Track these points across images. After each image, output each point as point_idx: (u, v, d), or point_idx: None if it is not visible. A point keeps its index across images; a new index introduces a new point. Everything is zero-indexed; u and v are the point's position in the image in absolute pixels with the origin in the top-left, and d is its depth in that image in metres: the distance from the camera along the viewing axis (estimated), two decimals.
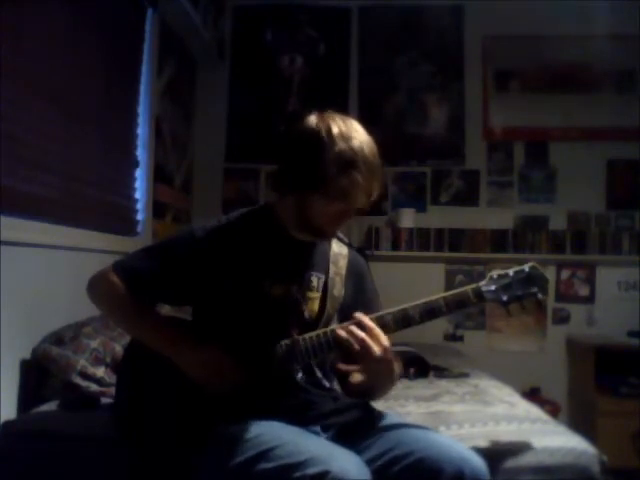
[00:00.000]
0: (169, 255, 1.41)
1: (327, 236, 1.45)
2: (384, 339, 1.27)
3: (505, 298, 1.31)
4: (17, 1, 1.92)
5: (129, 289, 1.39)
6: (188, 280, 1.39)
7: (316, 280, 1.44)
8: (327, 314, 1.42)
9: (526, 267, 1.33)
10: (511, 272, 1.32)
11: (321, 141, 1.30)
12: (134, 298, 1.40)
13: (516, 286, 1.31)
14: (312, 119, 1.35)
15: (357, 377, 1.44)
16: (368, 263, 1.62)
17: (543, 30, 3.82)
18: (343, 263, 1.50)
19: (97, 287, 1.44)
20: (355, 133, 1.32)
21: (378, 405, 1.51)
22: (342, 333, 1.28)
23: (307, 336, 1.34)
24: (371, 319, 1.31)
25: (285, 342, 1.34)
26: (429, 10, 3.94)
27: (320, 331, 1.34)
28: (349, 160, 1.29)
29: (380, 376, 1.36)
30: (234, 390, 1.32)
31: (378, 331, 1.27)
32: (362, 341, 1.26)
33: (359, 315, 1.30)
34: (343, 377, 1.48)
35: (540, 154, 3.89)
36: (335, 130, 1.30)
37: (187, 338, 1.37)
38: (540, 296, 1.31)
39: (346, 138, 1.30)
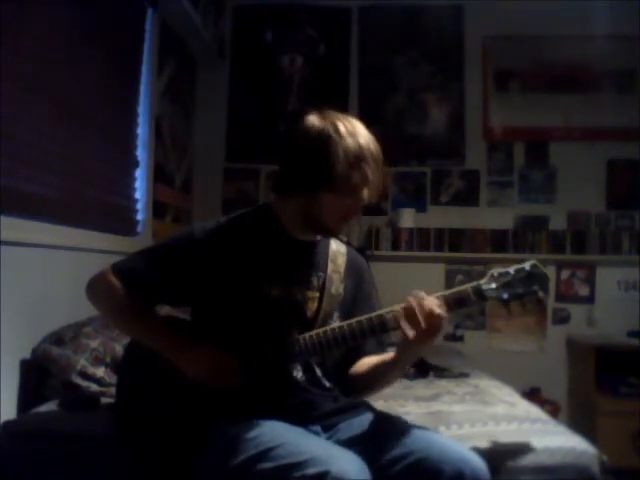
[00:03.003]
0: (168, 256, 1.41)
1: (334, 234, 1.46)
2: (443, 324, 1.25)
3: (506, 296, 1.30)
4: (17, 1, 1.92)
5: (128, 290, 1.39)
6: (187, 281, 1.39)
7: (316, 279, 1.44)
8: (324, 312, 1.42)
9: (527, 265, 1.32)
10: (512, 270, 1.31)
11: (329, 139, 1.31)
12: (133, 299, 1.39)
13: (517, 284, 1.30)
14: (314, 118, 1.36)
15: (373, 359, 1.44)
16: (368, 263, 1.62)
17: (543, 30, 3.82)
18: (342, 261, 1.50)
19: (96, 288, 1.44)
20: (359, 129, 1.35)
21: (378, 405, 1.51)
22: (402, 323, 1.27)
23: (311, 334, 1.34)
24: (371, 318, 1.31)
25: (292, 339, 1.34)
26: (429, 10, 3.94)
27: (321, 330, 1.34)
28: (358, 156, 1.31)
29: (413, 355, 1.36)
30: (234, 390, 1.32)
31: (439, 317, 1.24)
32: (417, 325, 1.24)
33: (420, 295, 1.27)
34: (340, 370, 1.49)
35: (540, 154, 3.88)
36: (341, 127, 1.32)
37: (186, 339, 1.37)
38: (541, 294, 1.31)
39: (352, 134, 1.32)
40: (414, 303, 1.25)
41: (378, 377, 1.45)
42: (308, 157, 1.34)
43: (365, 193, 1.34)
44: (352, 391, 1.49)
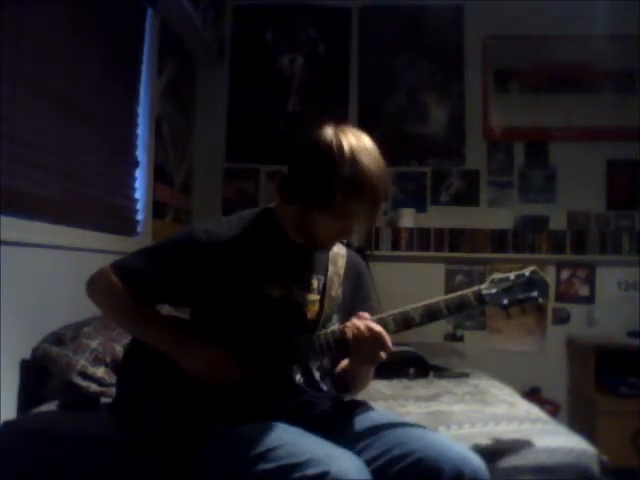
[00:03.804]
0: (168, 256, 1.41)
1: (324, 249, 1.46)
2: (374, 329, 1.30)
3: (506, 302, 1.31)
4: (17, 1, 1.92)
5: (128, 289, 1.39)
6: (187, 281, 1.40)
7: (316, 282, 1.45)
8: (325, 314, 1.42)
9: (527, 271, 1.33)
10: (512, 276, 1.32)
11: (332, 162, 1.28)
12: (133, 297, 1.40)
13: (517, 290, 1.31)
14: (325, 134, 1.32)
15: (343, 364, 1.50)
16: (368, 263, 1.62)
17: (543, 30, 3.81)
18: (342, 263, 1.51)
19: (96, 286, 1.44)
20: (365, 153, 1.30)
21: (378, 405, 1.51)
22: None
23: (310, 336, 1.34)
24: (372, 321, 1.31)
25: (300, 339, 1.34)
26: (429, 10, 3.94)
27: (322, 332, 1.35)
28: (357, 184, 1.28)
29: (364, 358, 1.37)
30: (235, 387, 1.32)
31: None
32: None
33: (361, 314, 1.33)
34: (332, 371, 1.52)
35: (540, 154, 3.88)
36: (346, 149, 1.29)
37: (187, 336, 1.38)
38: (541, 300, 1.32)
39: (356, 159, 1.28)
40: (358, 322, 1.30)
41: (350, 381, 1.50)
42: (308, 173, 1.32)
43: (358, 219, 1.34)
44: (340, 390, 1.50)
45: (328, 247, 1.46)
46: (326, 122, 1.35)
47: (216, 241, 1.39)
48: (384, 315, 1.33)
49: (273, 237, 1.43)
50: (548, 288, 1.33)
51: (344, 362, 1.49)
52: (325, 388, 1.44)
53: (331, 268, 1.48)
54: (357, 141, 1.31)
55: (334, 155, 1.29)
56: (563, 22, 3.78)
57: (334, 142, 1.30)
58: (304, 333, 1.35)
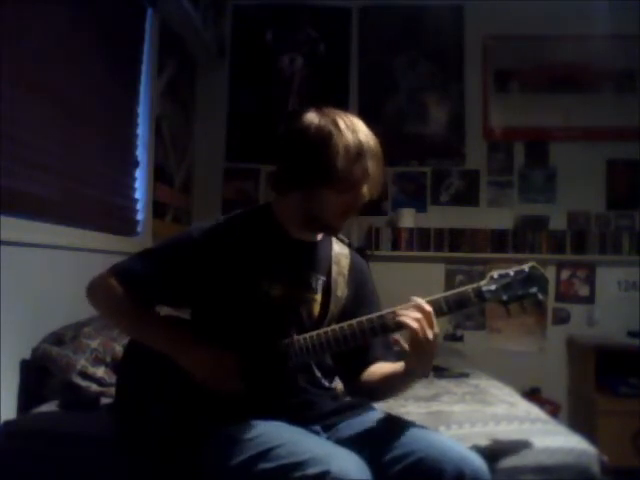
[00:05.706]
0: (168, 257, 1.41)
1: (334, 231, 1.45)
2: (436, 325, 1.26)
3: (505, 298, 1.31)
4: (17, 1, 1.92)
5: (128, 292, 1.39)
6: (187, 281, 1.39)
7: (315, 281, 1.44)
8: (331, 314, 1.42)
9: (526, 267, 1.32)
10: (511, 272, 1.32)
11: (330, 134, 1.31)
12: (133, 301, 1.39)
13: (516, 286, 1.31)
14: (313, 115, 1.35)
15: (385, 368, 1.43)
16: (368, 263, 1.62)
17: (543, 30, 3.82)
18: (345, 263, 1.50)
19: (96, 291, 1.44)
20: (358, 125, 1.35)
21: (378, 405, 1.51)
22: (403, 312, 1.26)
23: (311, 334, 1.33)
24: (371, 319, 1.31)
25: (291, 339, 1.33)
26: (429, 10, 3.94)
27: (322, 330, 1.34)
28: (359, 151, 1.31)
29: (423, 362, 1.32)
30: (235, 389, 1.32)
31: (433, 316, 1.25)
32: (419, 321, 1.24)
33: (417, 299, 1.27)
34: (352, 376, 1.48)
35: (540, 154, 3.89)
36: (341, 123, 1.32)
37: (188, 337, 1.37)
38: (540, 296, 1.31)
39: (352, 130, 1.32)
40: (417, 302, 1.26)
41: (390, 387, 1.44)
42: (308, 153, 1.33)
43: (365, 189, 1.34)
44: (364, 397, 1.48)
45: (335, 229, 1.44)
46: (308, 109, 1.38)
47: (214, 240, 1.39)
48: (384, 312, 1.31)
49: (272, 235, 1.43)
50: (547, 284, 1.32)
51: (389, 366, 1.43)
52: (327, 385, 1.44)
53: (335, 268, 1.47)
54: (345, 116, 1.36)
55: (330, 129, 1.31)
56: (563, 22, 3.78)
57: (327, 119, 1.33)
58: (304, 332, 1.35)
